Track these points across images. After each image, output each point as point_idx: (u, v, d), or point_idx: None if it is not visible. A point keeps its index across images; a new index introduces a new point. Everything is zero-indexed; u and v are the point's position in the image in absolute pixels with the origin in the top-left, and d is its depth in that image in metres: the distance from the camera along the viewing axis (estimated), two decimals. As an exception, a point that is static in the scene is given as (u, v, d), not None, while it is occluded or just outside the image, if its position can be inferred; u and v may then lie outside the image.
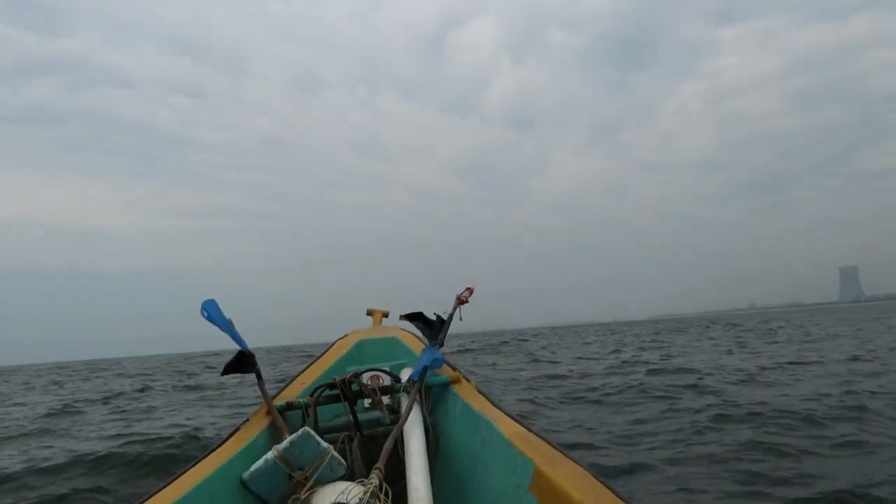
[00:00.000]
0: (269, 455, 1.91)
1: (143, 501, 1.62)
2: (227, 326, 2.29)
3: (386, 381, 2.70)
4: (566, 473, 1.48)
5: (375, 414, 2.57)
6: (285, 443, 1.91)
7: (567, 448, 1.76)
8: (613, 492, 1.37)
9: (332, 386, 2.39)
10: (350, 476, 1.99)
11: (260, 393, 2.35)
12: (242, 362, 2.33)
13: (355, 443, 2.33)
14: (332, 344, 3.22)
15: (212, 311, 2.22)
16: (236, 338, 2.34)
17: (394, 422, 2.44)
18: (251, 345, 2.33)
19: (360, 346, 3.16)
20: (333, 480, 1.93)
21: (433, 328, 2.77)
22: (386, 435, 2.37)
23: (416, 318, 2.82)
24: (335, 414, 2.58)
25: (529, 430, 1.85)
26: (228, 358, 2.30)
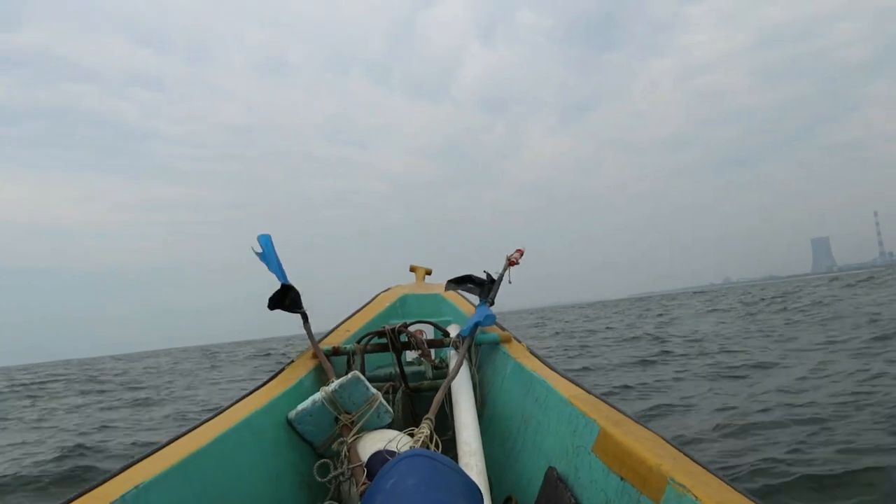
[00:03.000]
0: (317, 396, 1.86)
1: (190, 431, 1.59)
2: (274, 263, 2.23)
3: (430, 335, 2.63)
4: (636, 435, 1.39)
5: (419, 368, 2.51)
6: (334, 385, 1.86)
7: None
8: (688, 456, 1.28)
9: (380, 334, 2.33)
10: (394, 427, 1.94)
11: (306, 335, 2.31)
12: (287, 298, 2.26)
13: (400, 393, 2.27)
14: (376, 296, 3.17)
15: (267, 246, 2.18)
16: (282, 276, 2.29)
17: (439, 377, 2.38)
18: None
19: (403, 300, 3.10)
20: (380, 428, 1.89)
21: (483, 287, 2.69)
22: (431, 389, 2.32)
23: (463, 280, 2.72)
24: (378, 364, 2.53)
25: (589, 392, 1.76)
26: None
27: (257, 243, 2.20)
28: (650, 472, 1.22)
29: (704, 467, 1.22)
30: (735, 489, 1.13)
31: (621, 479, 1.32)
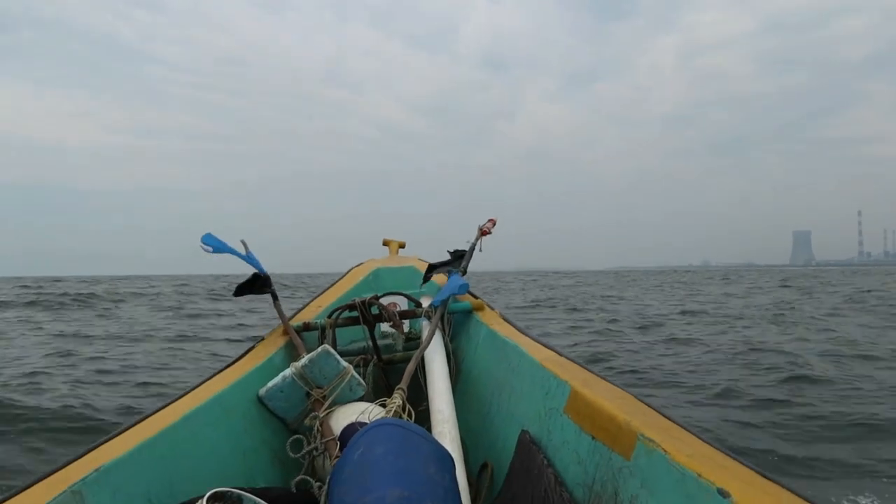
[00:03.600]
0: (287, 372, 1.84)
1: (159, 410, 1.56)
2: (237, 252, 2.19)
3: (404, 307, 2.61)
4: (606, 394, 1.39)
5: (393, 341, 2.49)
6: (304, 360, 1.84)
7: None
8: (658, 411, 1.29)
9: (351, 308, 2.30)
10: (368, 400, 1.93)
11: (276, 313, 2.27)
12: (256, 283, 2.24)
13: (371, 366, 2.26)
14: (349, 270, 3.14)
15: (214, 243, 2.12)
16: (252, 261, 2.24)
17: (413, 348, 2.37)
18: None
19: (377, 274, 3.07)
20: (353, 401, 1.87)
21: (452, 263, 2.69)
22: (404, 361, 2.30)
23: (434, 267, 2.73)
24: (352, 339, 2.51)
25: (561, 355, 1.77)
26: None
27: (204, 245, 2.11)
28: (620, 430, 1.23)
29: (675, 422, 1.23)
30: (706, 441, 1.14)
31: (592, 438, 1.32)
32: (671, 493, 1.04)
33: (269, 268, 2.27)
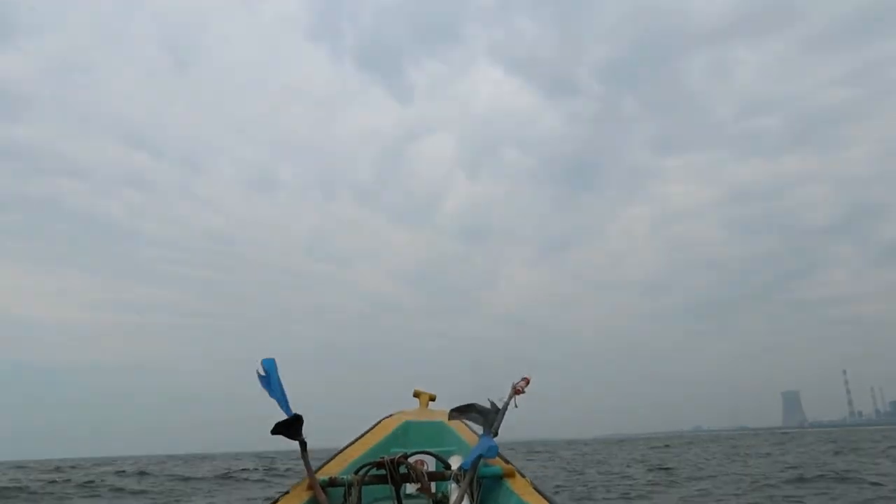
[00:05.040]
0: None
1: None
2: (276, 391, 2.18)
3: (432, 466, 2.53)
4: None
5: (419, 502, 2.39)
6: None
7: None
8: None
9: (379, 465, 2.24)
10: None
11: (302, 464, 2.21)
12: (292, 427, 2.20)
13: None
14: (378, 422, 3.07)
15: (270, 371, 2.12)
16: (284, 405, 2.23)
17: None
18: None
19: (406, 428, 3.01)
20: None
21: (487, 417, 2.62)
22: None
23: (466, 409, 2.66)
24: (375, 497, 2.41)
25: None
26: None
27: (261, 366, 2.15)
28: None
29: None
30: None
31: None
32: None
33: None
